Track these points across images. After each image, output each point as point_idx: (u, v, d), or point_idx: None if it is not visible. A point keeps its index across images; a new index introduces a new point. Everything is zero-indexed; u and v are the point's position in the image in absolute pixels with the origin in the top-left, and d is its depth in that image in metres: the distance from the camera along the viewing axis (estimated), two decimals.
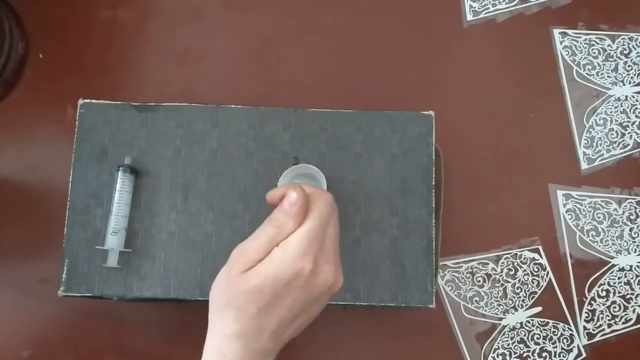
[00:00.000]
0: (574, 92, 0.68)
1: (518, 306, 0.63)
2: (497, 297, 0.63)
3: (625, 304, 0.63)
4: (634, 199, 0.66)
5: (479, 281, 0.63)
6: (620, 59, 0.68)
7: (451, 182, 0.58)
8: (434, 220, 0.51)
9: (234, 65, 0.67)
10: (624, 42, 0.69)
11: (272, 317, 0.38)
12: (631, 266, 0.64)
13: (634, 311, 0.63)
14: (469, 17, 0.69)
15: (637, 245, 0.64)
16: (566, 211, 0.65)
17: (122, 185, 0.50)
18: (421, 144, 0.53)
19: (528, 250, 0.64)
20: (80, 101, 0.52)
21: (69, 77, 0.65)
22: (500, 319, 0.63)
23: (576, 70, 0.68)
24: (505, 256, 0.64)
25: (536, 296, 0.63)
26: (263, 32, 0.68)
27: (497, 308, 0.63)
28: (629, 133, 0.67)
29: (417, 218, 0.51)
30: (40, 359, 0.60)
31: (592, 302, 0.63)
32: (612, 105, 0.67)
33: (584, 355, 0.62)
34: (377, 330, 0.61)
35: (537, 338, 0.62)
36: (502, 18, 0.69)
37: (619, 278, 0.64)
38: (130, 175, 0.50)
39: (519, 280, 0.63)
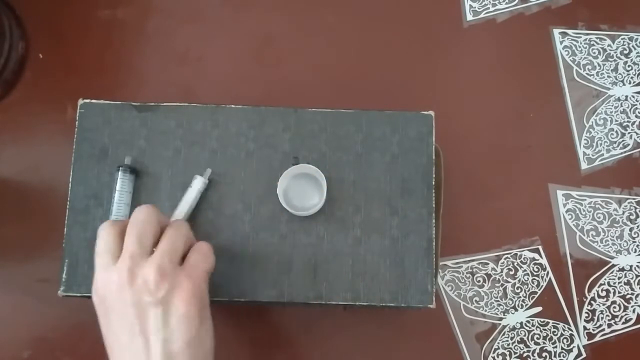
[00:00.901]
0: (574, 92, 0.68)
1: (518, 306, 0.63)
2: (497, 297, 0.63)
3: (625, 304, 0.63)
4: (634, 199, 0.66)
5: (479, 281, 0.63)
6: (620, 59, 0.68)
7: (451, 182, 0.58)
8: (434, 220, 0.51)
9: (234, 65, 0.67)
10: (624, 42, 0.69)
11: None
12: (631, 266, 0.64)
13: (634, 311, 0.63)
14: (469, 17, 0.69)
15: (637, 245, 0.64)
16: (566, 211, 0.65)
17: (122, 185, 0.50)
18: (421, 144, 0.53)
19: (528, 250, 0.64)
20: (80, 101, 0.52)
21: (69, 77, 0.65)
22: (500, 319, 0.63)
23: (576, 70, 0.68)
24: (505, 256, 0.64)
25: (536, 296, 0.63)
26: (263, 32, 0.68)
27: (497, 308, 0.63)
28: (629, 133, 0.67)
29: (417, 218, 0.51)
30: (40, 359, 0.60)
31: (592, 302, 0.63)
32: (612, 105, 0.67)
33: (584, 355, 0.62)
34: (377, 330, 0.61)
35: (537, 338, 0.62)
36: (502, 18, 0.69)
37: (619, 278, 0.64)
38: (130, 175, 0.50)
39: (519, 280, 0.63)
